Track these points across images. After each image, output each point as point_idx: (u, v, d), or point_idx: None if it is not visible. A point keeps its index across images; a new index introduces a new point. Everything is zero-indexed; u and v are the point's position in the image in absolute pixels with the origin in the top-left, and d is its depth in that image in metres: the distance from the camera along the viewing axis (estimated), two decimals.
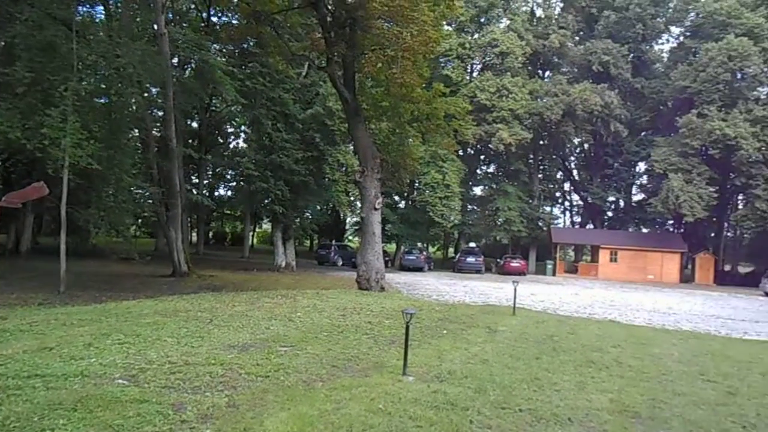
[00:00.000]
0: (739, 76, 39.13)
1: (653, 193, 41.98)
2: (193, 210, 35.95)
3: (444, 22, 34.53)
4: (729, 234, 51.22)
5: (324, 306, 13.50)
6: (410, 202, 43.15)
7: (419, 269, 36.92)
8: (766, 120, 36.78)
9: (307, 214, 35.33)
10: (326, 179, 32.54)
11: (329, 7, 19.48)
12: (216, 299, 13.85)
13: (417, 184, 41.06)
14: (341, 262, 38.40)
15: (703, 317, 18.03)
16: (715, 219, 45.12)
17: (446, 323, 12.06)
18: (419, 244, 45.15)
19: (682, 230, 45.30)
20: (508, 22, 44.52)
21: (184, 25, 28.91)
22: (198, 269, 23.84)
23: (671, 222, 46.97)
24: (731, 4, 40.88)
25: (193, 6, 31.84)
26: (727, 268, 48.88)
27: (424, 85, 23.26)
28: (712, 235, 47.16)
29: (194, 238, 43.43)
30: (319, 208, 37.29)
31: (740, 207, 44.81)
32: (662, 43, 50.56)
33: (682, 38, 47.36)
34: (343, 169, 34.25)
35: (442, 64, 41.92)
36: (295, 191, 28.81)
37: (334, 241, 42.72)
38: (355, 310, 13.22)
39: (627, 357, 9.57)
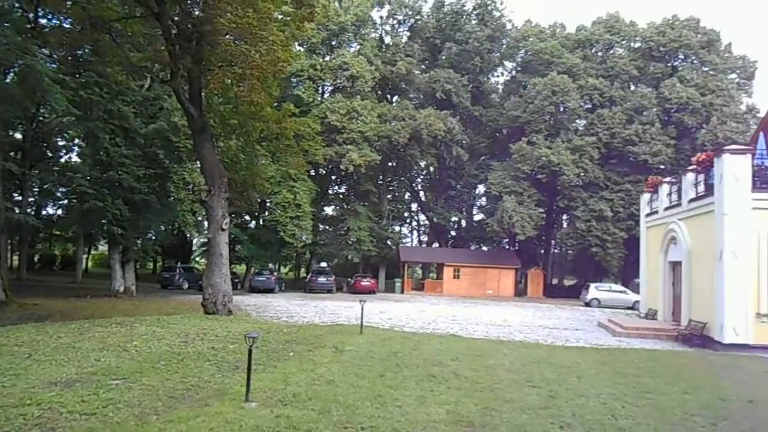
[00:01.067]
0: (561, 108, 43.67)
1: (491, 214, 45.18)
2: (14, 231, 32.17)
3: (295, 43, 34.79)
4: (556, 251, 56.74)
5: (164, 333, 12.75)
6: (261, 222, 42.40)
7: (270, 290, 36.24)
8: (583, 149, 41.38)
9: (150, 234, 33.22)
10: (171, 198, 30.88)
11: (174, 19, 18.72)
12: (38, 331, 12.49)
13: (268, 204, 40.46)
14: (187, 285, 36.53)
15: (533, 328, 19.64)
16: (543, 237, 49.67)
17: (294, 345, 11.95)
18: (270, 265, 44.37)
19: (516, 248, 49.18)
20: (358, 46, 45.80)
21: (6, 24, 26.04)
22: (19, 297, 21.32)
23: (506, 240, 50.79)
24: (554, 45, 45.75)
25: (17, 4, 28.80)
26: (555, 281, 53.98)
27: (274, 104, 23.16)
28: (542, 251, 51.81)
29: (16, 262, 38.88)
30: (163, 228, 35.23)
31: (564, 226, 49.82)
32: (498, 76, 55.05)
33: (514, 72, 52.01)
34: (190, 187, 32.75)
35: (294, 84, 41.96)
36: (136, 210, 26.96)
37: (179, 264, 40.54)
38: (198, 335, 12.64)
39: (464, 369, 10.14)
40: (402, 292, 41.83)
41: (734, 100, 43.40)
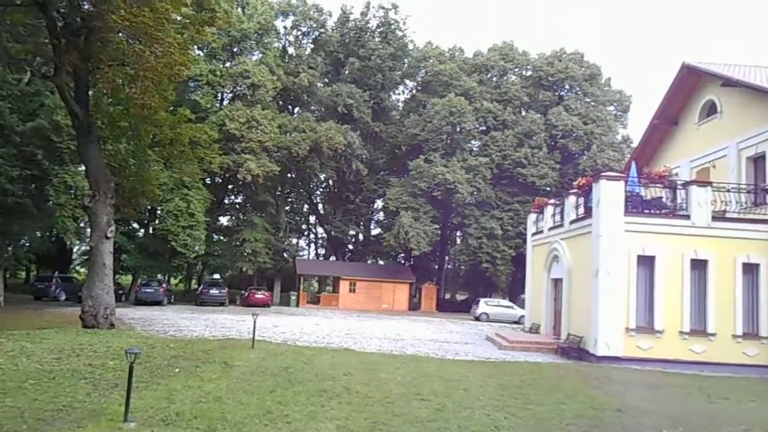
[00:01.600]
0: (458, 129, 45.32)
1: (388, 228, 45.90)
2: None
3: (194, 47, 33.67)
4: (449, 266, 58.58)
5: (35, 348, 11.77)
6: (150, 231, 40.38)
7: (158, 303, 34.46)
8: (477, 169, 43.15)
9: (24, 241, 30.62)
10: (50, 202, 28.72)
11: (61, 11, 17.51)
12: None
13: (159, 212, 38.66)
14: (65, 297, 33.92)
15: (425, 341, 20.07)
16: (438, 253, 51.09)
17: (180, 360, 11.44)
18: (159, 276, 42.29)
19: (411, 263, 50.19)
20: (261, 55, 45.13)
21: None
22: None
23: (402, 255, 51.72)
24: (452, 67, 47.56)
25: None
26: (448, 296, 55.57)
27: (170, 108, 22.21)
28: (436, 267, 53.23)
29: None
30: (39, 234, 32.60)
31: (458, 243, 51.56)
32: (399, 94, 56.36)
33: (414, 91, 53.45)
34: (72, 191, 30.59)
35: (191, 89, 40.55)
36: (8, 215, 24.83)
37: (56, 273, 37.60)
38: (74, 351, 11.78)
39: (356, 384, 10.17)
40: (297, 305, 41.37)
41: (612, 130, 47.26)
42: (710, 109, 21.31)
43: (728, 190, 17.33)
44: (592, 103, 47.74)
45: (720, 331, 16.07)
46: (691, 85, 22.22)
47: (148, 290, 35.03)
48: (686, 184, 17.30)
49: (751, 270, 16.50)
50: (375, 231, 55.50)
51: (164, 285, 38.16)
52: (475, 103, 45.77)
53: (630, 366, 15.26)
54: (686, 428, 8.46)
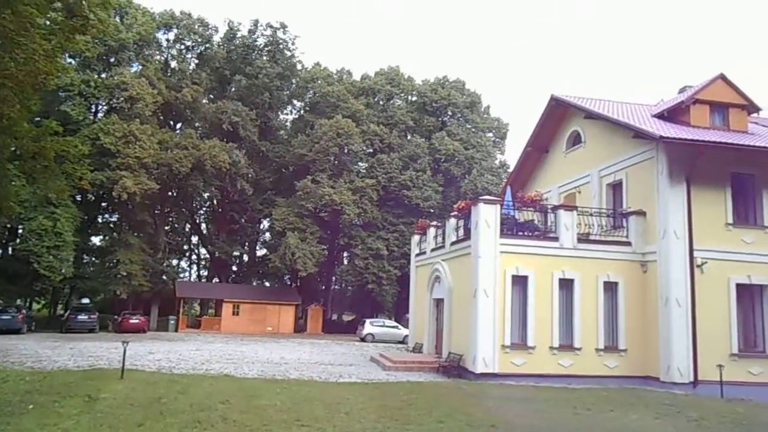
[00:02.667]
0: (345, 150, 45.67)
1: (274, 249, 45.06)
2: None
3: (64, 54, 31.41)
4: (336, 287, 58.53)
5: None
6: (10, 252, 36.82)
7: (16, 331, 31.19)
8: (363, 190, 43.67)
9: None
10: None
11: None
12: None
13: (20, 231, 35.39)
14: None
15: (309, 365, 19.78)
16: (325, 274, 50.88)
17: (36, 395, 10.42)
18: (18, 301, 38.52)
19: (297, 284, 49.56)
20: (141, 67, 43.06)
21: None
22: None
23: (289, 276, 50.95)
24: (340, 89, 48.10)
25: None
26: (334, 317, 55.41)
27: (34, 119, 20.53)
28: (323, 288, 52.94)
29: None
30: None
31: (345, 263, 51.70)
32: (287, 113, 55.97)
33: (302, 111, 53.39)
34: None
35: (62, 99, 37.77)
36: None
37: None
38: None
39: (234, 412, 9.77)
40: (176, 330, 39.36)
41: (491, 155, 49.93)
42: (576, 139, 23.08)
43: (591, 214, 18.79)
44: (473, 130, 50.18)
45: (585, 346, 17.26)
46: (559, 116, 23.98)
47: (5, 317, 31.61)
48: (555, 208, 18.54)
49: (611, 288, 17.94)
50: (261, 252, 54.33)
51: (24, 311, 34.72)
52: (362, 126, 46.46)
53: (506, 382, 15.92)
54: None
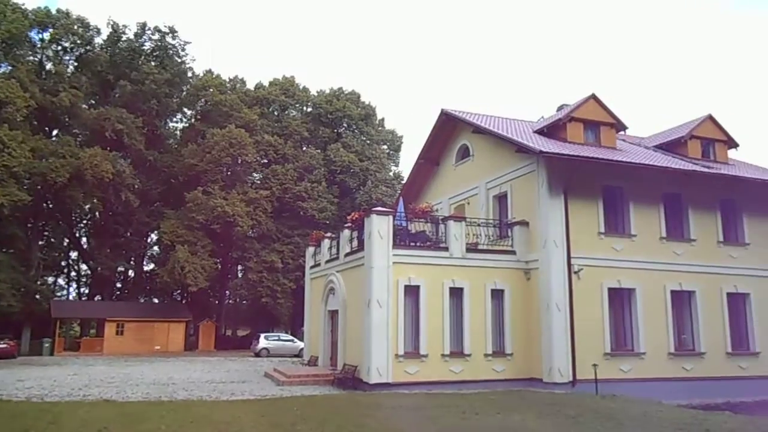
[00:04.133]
0: (238, 161, 44.57)
1: (162, 264, 42.98)
2: None
3: None
4: (229, 301, 56.64)
5: None
6: None
7: None
8: (257, 202, 42.79)
9: None
10: None
11: None
12: None
13: None
14: None
15: (199, 384, 18.96)
16: (217, 288, 49.18)
17: None
18: None
19: (188, 299, 47.52)
20: (10, 68, 39.68)
21: None
22: None
23: (179, 291, 48.80)
24: (233, 98, 46.99)
25: None
26: (228, 333, 53.57)
27: None
28: (216, 303, 51.13)
29: None
30: None
31: (238, 276, 50.28)
32: (176, 122, 53.72)
33: (193, 120, 51.41)
34: None
35: None
36: None
37: None
38: None
39: None
40: (52, 353, 36.27)
41: (385, 167, 50.77)
42: (464, 152, 23.97)
43: (479, 225, 19.58)
44: (368, 142, 50.82)
45: (474, 352, 17.87)
46: (449, 130, 24.81)
47: None
48: (445, 219, 19.11)
49: (498, 295, 18.72)
50: (148, 267, 51.62)
51: None
52: (256, 136, 45.63)
53: (399, 391, 16.10)
54: None
